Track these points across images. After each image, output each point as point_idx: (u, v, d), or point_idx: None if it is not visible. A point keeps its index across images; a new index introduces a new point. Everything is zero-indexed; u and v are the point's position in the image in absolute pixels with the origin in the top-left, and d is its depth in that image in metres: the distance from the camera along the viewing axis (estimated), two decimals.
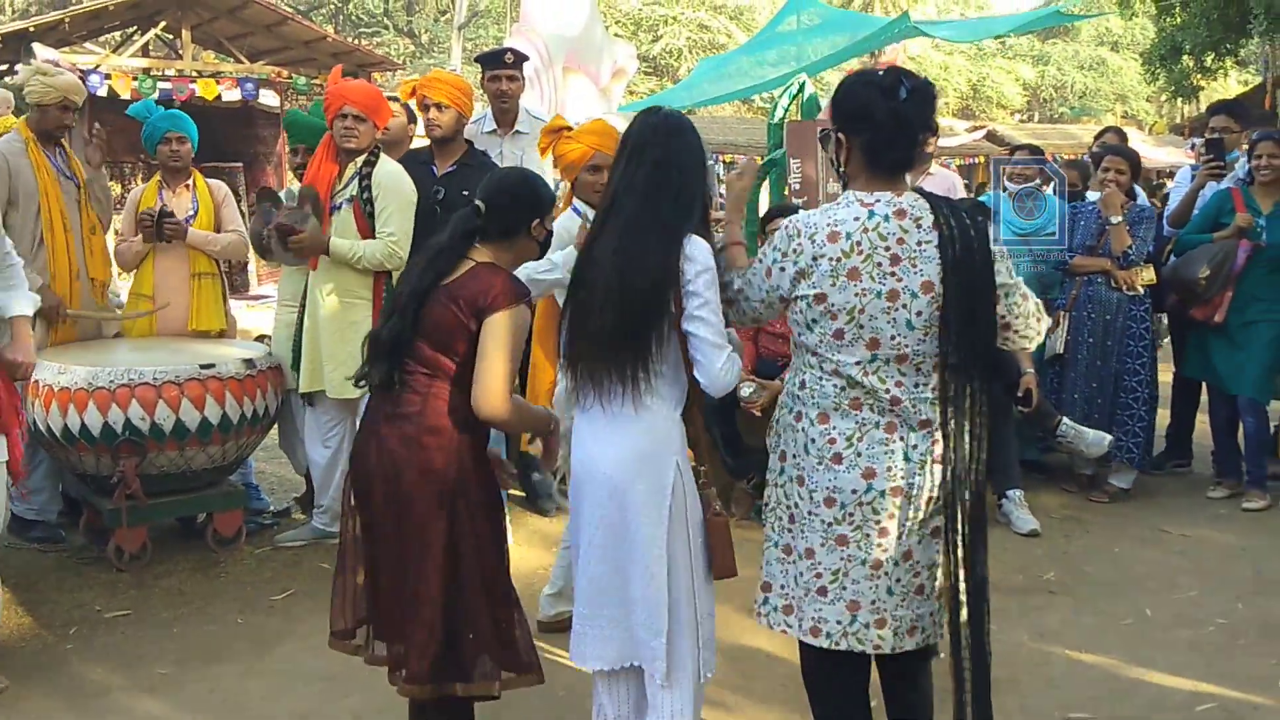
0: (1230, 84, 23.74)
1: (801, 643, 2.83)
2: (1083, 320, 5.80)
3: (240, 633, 4.31)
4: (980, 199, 6.90)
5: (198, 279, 5.39)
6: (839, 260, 2.62)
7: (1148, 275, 5.72)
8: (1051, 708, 3.66)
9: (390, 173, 4.79)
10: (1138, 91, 33.90)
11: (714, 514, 2.87)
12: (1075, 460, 5.88)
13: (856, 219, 2.65)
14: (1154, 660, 4.02)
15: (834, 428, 2.70)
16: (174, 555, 5.04)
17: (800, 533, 2.76)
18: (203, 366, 4.84)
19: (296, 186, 5.13)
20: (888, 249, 2.63)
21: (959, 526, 2.68)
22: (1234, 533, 5.42)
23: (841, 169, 2.79)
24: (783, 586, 2.82)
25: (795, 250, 2.67)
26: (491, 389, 2.82)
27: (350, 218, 4.71)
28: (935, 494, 2.70)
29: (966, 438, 2.66)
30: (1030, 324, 2.84)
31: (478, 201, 2.95)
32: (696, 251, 2.73)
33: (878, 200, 2.67)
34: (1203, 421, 6.30)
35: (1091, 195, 6.44)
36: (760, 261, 2.76)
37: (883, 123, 2.65)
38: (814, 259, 2.64)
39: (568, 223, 4.00)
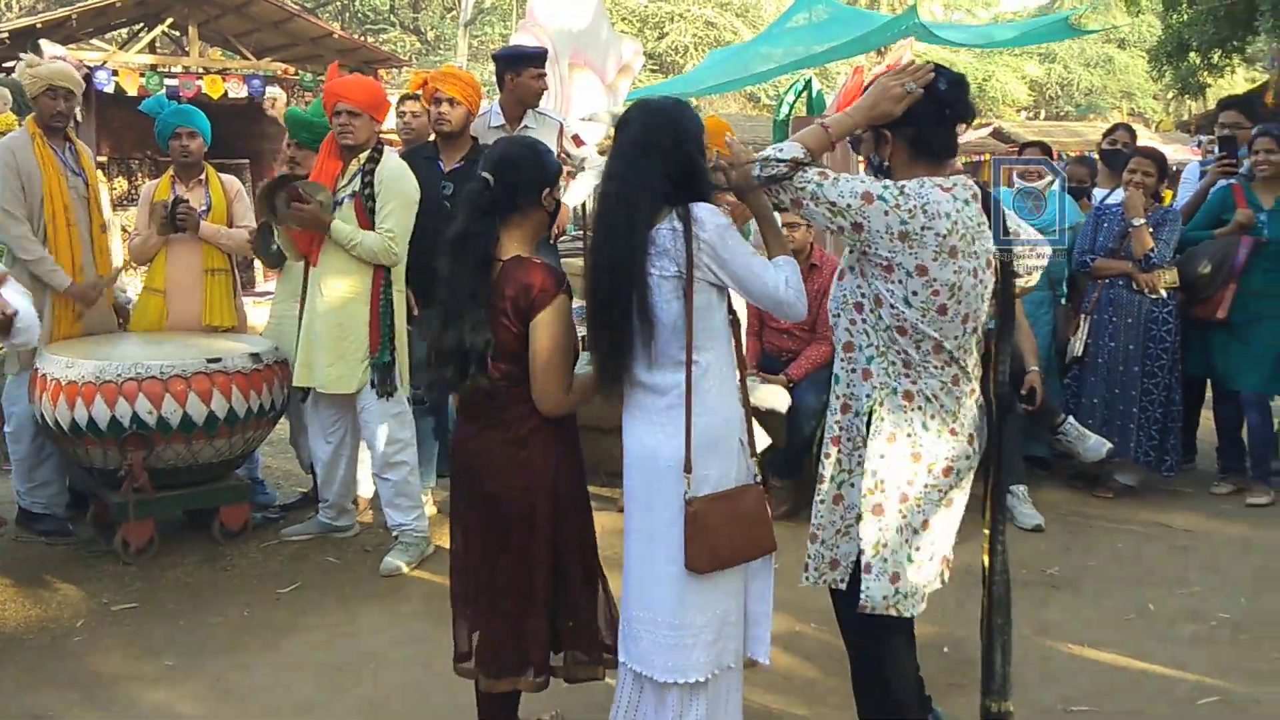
0: (1237, 81, 23.67)
1: (884, 623, 2.85)
2: (1104, 323, 5.78)
3: (247, 625, 4.33)
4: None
5: (210, 274, 5.40)
6: (944, 237, 2.69)
7: (1170, 277, 5.69)
8: (1054, 701, 3.67)
9: (393, 169, 4.80)
10: (1144, 89, 33.78)
11: (687, 500, 2.76)
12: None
13: (951, 200, 2.73)
14: (1156, 654, 4.03)
15: (947, 401, 2.80)
16: (181, 548, 5.07)
17: (916, 510, 2.81)
18: (209, 361, 4.86)
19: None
20: (970, 229, 2.75)
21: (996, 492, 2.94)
22: (1238, 528, 5.43)
23: (885, 163, 2.86)
24: (909, 571, 2.84)
25: (908, 211, 2.68)
26: (549, 390, 2.86)
27: (351, 213, 4.72)
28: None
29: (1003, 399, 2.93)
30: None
31: (484, 174, 2.92)
32: (702, 213, 2.74)
33: (955, 184, 2.77)
34: (1207, 418, 6.31)
35: (1098, 192, 6.45)
36: (860, 184, 2.72)
37: (927, 113, 2.77)
38: (922, 229, 2.68)
39: None
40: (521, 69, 5.52)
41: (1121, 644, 4.12)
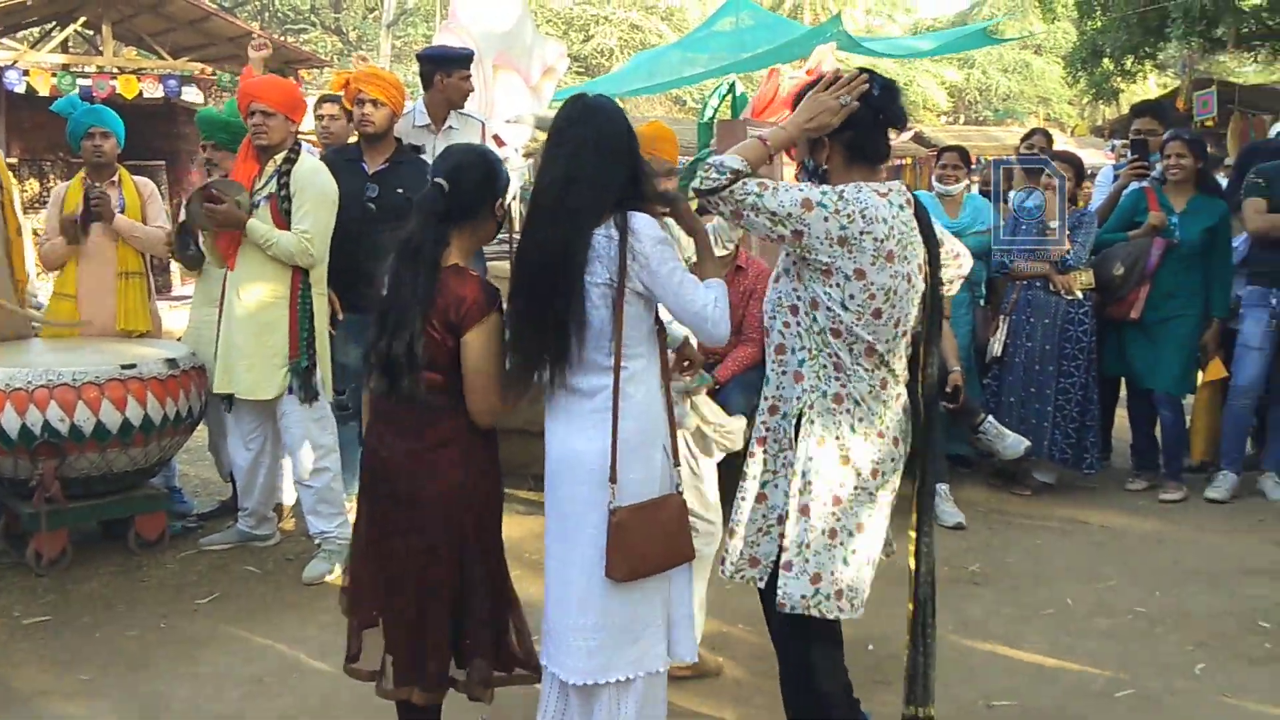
0: (1149, 86, 24.28)
1: (811, 625, 2.86)
2: (1022, 324, 5.89)
3: (164, 637, 4.24)
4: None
5: (125, 278, 5.30)
6: (881, 241, 2.72)
7: (1086, 279, 5.82)
8: (975, 696, 3.73)
9: (309, 169, 4.72)
10: (1060, 94, 34.52)
11: (610, 510, 2.74)
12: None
13: (887, 205, 2.76)
14: (1074, 649, 4.11)
15: (874, 405, 2.83)
16: (95, 560, 4.95)
17: (848, 512, 2.83)
18: (124, 367, 4.76)
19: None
20: (905, 234, 2.79)
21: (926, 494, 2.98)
22: (1152, 524, 5.56)
23: (821, 168, 2.89)
24: (832, 573, 2.84)
25: (848, 216, 2.70)
26: (485, 402, 2.83)
27: (268, 214, 4.65)
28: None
29: (930, 402, 2.97)
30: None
31: (439, 180, 2.89)
32: (639, 224, 2.71)
33: (890, 190, 2.81)
34: (1122, 416, 6.45)
35: (1015, 195, 6.55)
36: (799, 191, 2.73)
37: (863, 119, 2.81)
38: (860, 234, 2.71)
39: None
40: (452, 70, 5.49)
41: (1041, 639, 4.20)
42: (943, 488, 5.55)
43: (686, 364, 3.26)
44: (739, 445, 3.62)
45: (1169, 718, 3.62)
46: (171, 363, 4.92)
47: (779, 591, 2.84)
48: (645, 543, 2.73)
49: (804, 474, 2.82)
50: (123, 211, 5.28)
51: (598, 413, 2.75)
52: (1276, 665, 3.97)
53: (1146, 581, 4.77)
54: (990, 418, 5.56)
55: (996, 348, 5.95)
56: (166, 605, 4.53)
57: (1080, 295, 5.81)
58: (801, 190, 2.74)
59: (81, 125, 5.26)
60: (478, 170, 2.94)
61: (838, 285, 2.74)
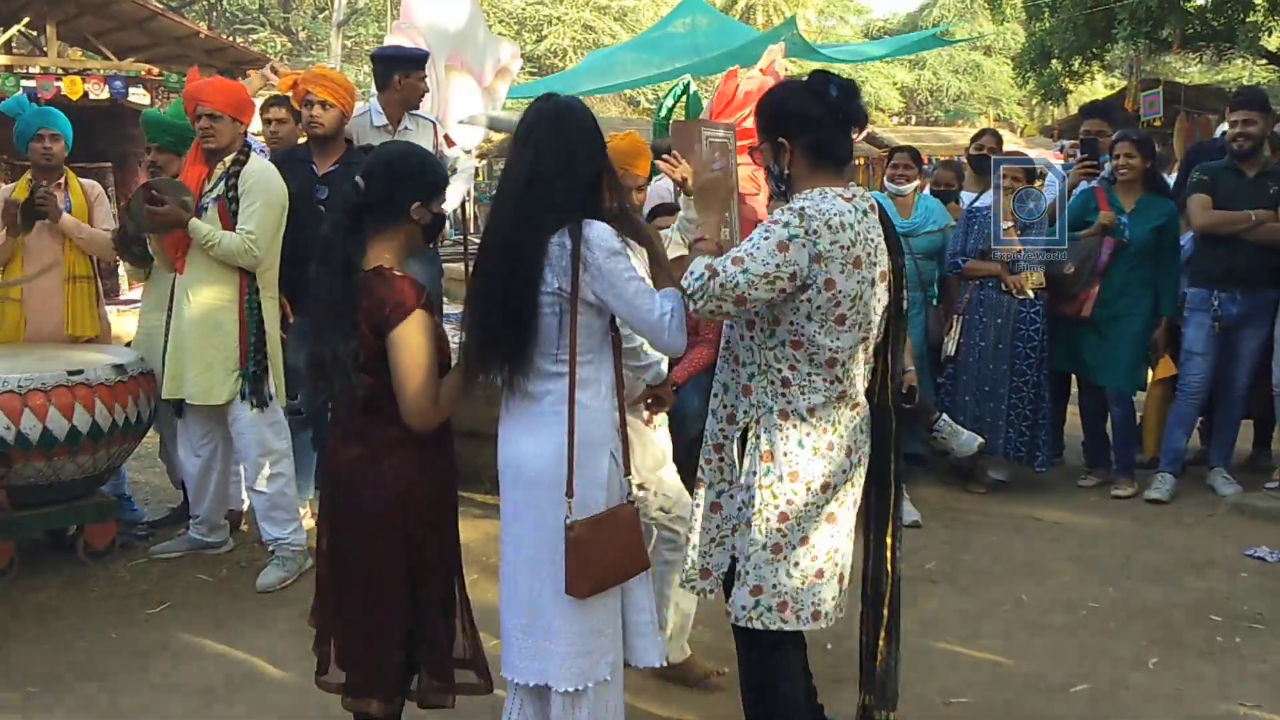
0: (1097, 87, 24.61)
1: (766, 635, 2.86)
2: (974, 323, 5.94)
3: (115, 647, 4.17)
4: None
5: (72, 282, 5.20)
6: (848, 249, 2.70)
7: (1037, 278, 5.87)
8: (933, 694, 3.75)
9: (257, 171, 4.65)
10: (1009, 95, 34.94)
11: (568, 526, 2.70)
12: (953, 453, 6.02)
13: (852, 211, 2.73)
14: (1030, 644, 4.15)
15: (824, 417, 2.80)
16: (43, 570, 4.87)
17: (795, 527, 2.81)
18: (70, 373, 4.67)
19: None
20: (870, 240, 2.77)
21: (892, 502, 3.00)
22: (1104, 519, 5.62)
23: (785, 173, 2.84)
24: (774, 586, 2.82)
25: (814, 233, 2.67)
26: (414, 404, 2.74)
27: (216, 217, 4.58)
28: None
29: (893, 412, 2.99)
30: None
31: (358, 178, 2.83)
32: (593, 234, 2.64)
33: (855, 194, 2.78)
34: (1073, 413, 6.52)
35: (966, 195, 6.61)
36: (766, 239, 2.67)
37: (822, 121, 2.79)
38: (830, 244, 2.68)
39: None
40: (409, 70, 5.48)
41: (997, 635, 4.23)
42: None
43: (652, 401, 3.26)
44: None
45: (1124, 712, 3.66)
46: (119, 368, 4.84)
47: (729, 603, 2.86)
48: (603, 556, 2.69)
49: (748, 488, 2.82)
50: (69, 213, 5.19)
51: (544, 416, 2.72)
52: (1229, 658, 4.03)
53: (1100, 577, 4.82)
54: (945, 416, 5.60)
55: (951, 347, 5.99)
56: (117, 615, 4.45)
57: (1032, 294, 5.86)
58: (767, 236, 2.67)
59: (31, 126, 5.16)
60: (397, 169, 2.87)
61: (807, 299, 2.71)
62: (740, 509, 2.84)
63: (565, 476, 2.67)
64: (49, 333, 5.18)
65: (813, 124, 2.79)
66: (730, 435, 2.88)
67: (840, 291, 2.71)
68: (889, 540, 3.03)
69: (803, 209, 2.69)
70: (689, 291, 2.68)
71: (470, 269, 2.85)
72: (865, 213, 2.78)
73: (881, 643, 3.04)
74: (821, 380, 2.78)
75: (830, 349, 2.75)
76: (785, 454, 2.79)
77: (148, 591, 4.69)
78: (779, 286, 2.67)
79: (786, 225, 2.67)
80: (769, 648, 2.93)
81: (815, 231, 2.66)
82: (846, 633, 3.83)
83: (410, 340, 2.73)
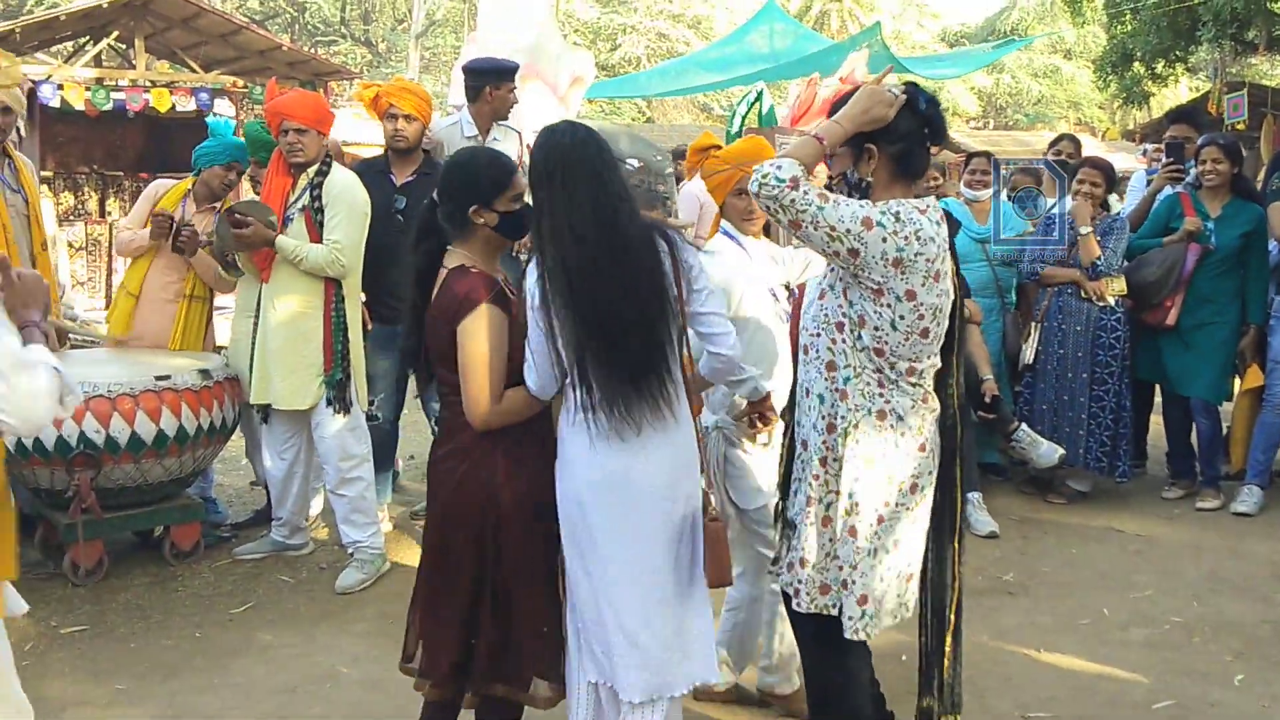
0: (1181, 90, 24.09)
1: (836, 639, 2.85)
2: (1054, 330, 5.85)
3: (198, 647, 4.26)
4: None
5: (189, 299, 5.27)
6: (931, 261, 2.72)
7: (1118, 286, 5.77)
8: (1010, 707, 3.70)
9: (341, 181, 4.76)
10: (1090, 98, 34.32)
11: (711, 519, 2.81)
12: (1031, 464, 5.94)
13: (929, 223, 2.74)
14: (1111, 659, 4.07)
15: (910, 422, 2.82)
16: (131, 570, 4.99)
17: (889, 529, 2.83)
18: (158, 378, 4.79)
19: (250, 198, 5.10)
20: (945, 252, 2.79)
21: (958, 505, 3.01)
22: (1188, 532, 5.50)
23: (864, 181, 2.85)
24: (878, 594, 2.84)
25: (905, 238, 2.68)
26: (474, 400, 2.77)
27: (302, 227, 4.68)
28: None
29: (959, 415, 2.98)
30: None
31: (434, 195, 2.95)
32: (685, 243, 2.80)
33: (928, 206, 2.79)
34: (1157, 423, 6.39)
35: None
36: (860, 209, 2.68)
37: (912, 132, 2.80)
38: (915, 255, 2.69)
39: (719, 246, 3.61)
40: (501, 82, 5.54)
41: (1076, 649, 4.16)
42: (976, 496, 5.50)
43: (759, 417, 3.31)
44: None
45: None
46: (205, 373, 4.95)
47: (844, 616, 2.83)
48: (724, 549, 2.82)
49: (850, 494, 2.81)
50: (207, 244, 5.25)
51: (677, 421, 2.78)
52: None
53: (1183, 590, 4.72)
54: (1023, 426, 5.53)
55: (1029, 355, 5.91)
56: (201, 615, 4.55)
57: (1112, 302, 5.75)
58: (862, 207, 2.69)
59: (226, 151, 5.22)
60: (446, 180, 2.95)
61: (888, 306, 2.72)
62: (840, 517, 2.83)
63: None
64: (154, 338, 5.25)
65: (902, 134, 2.79)
66: (831, 445, 2.84)
67: (922, 304, 2.72)
68: (954, 545, 3.01)
69: (899, 213, 2.70)
70: (763, 173, 2.68)
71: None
72: (938, 224, 2.78)
73: (948, 647, 3.01)
74: (906, 384, 2.80)
75: (911, 358, 2.77)
76: (884, 455, 2.80)
77: (231, 592, 4.79)
78: (833, 248, 2.68)
79: (882, 213, 2.69)
80: (843, 650, 2.90)
81: (906, 237, 2.67)
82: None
83: (474, 333, 2.76)
